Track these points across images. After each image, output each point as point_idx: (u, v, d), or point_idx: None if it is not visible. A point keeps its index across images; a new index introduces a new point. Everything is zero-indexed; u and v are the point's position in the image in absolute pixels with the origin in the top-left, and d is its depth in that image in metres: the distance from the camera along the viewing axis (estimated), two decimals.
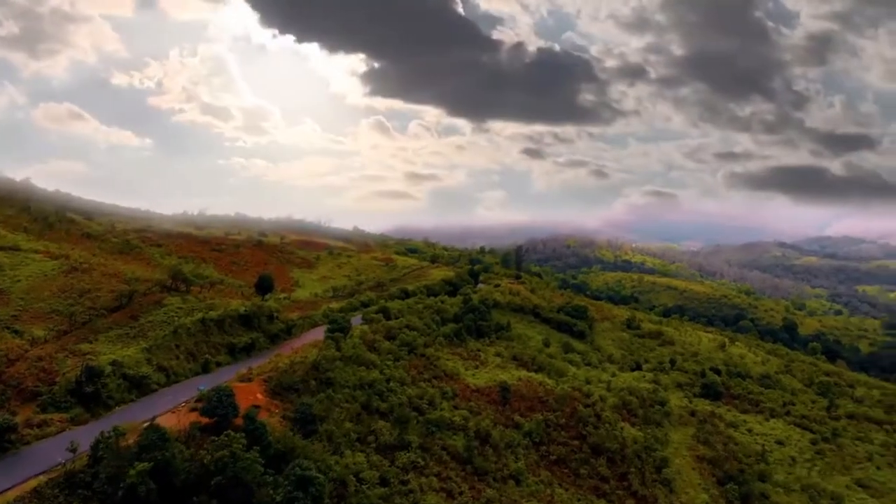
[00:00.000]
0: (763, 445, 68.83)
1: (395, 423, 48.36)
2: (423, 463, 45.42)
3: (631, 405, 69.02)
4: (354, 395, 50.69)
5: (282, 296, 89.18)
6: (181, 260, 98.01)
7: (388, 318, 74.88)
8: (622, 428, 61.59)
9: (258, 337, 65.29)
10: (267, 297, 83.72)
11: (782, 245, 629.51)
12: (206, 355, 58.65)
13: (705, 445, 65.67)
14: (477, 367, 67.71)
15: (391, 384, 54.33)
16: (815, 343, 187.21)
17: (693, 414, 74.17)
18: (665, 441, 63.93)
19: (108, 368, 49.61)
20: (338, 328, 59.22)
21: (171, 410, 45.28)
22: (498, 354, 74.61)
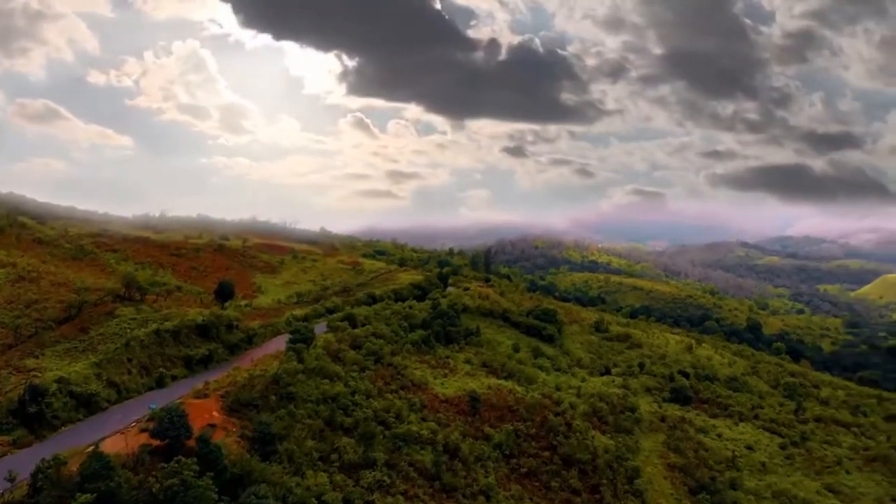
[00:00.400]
0: (733, 451, 68.42)
1: (359, 439, 46.37)
2: (389, 481, 43.52)
3: (601, 412, 68.06)
4: (317, 410, 48.53)
5: (243, 303, 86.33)
6: (138, 266, 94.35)
7: (354, 326, 72.68)
8: (593, 437, 60.44)
9: (216, 348, 62.65)
10: (227, 304, 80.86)
11: (745, 245, 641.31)
12: (161, 369, 55.90)
13: (676, 453, 64.95)
14: (446, 376, 65.95)
15: (356, 397, 52.27)
16: (779, 343, 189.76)
17: (663, 420, 73.55)
18: (636, 449, 63.05)
19: (54, 386, 46.77)
20: (300, 338, 56.92)
21: (121, 431, 42.63)
22: (467, 361, 72.97)
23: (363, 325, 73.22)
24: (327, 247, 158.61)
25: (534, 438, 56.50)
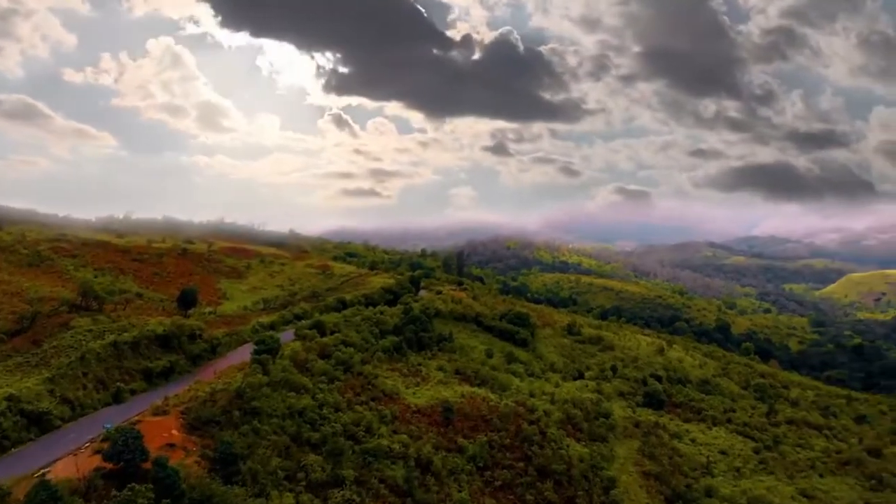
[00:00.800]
0: (708, 457, 67.89)
1: (327, 455, 44.50)
2: (358, 500, 41.78)
3: (575, 419, 67.04)
4: (283, 425, 46.50)
5: (207, 310, 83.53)
6: (97, 272, 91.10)
7: (323, 334, 70.52)
8: (568, 445, 59.38)
9: (178, 359, 60.03)
10: (190, 312, 78.20)
11: (712, 245, 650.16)
12: (119, 383, 53.20)
13: (651, 460, 64.15)
14: (418, 384, 64.27)
15: (324, 410, 50.32)
16: (747, 343, 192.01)
17: (637, 425, 72.81)
18: (611, 457, 62.09)
19: (4, 404, 44.05)
20: (265, 349, 54.74)
21: (73, 453, 40.16)
22: (440, 368, 71.38)
23: (332, 333, 71.11)
24: (296, 250, 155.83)
25: (508, 449, 55.15)
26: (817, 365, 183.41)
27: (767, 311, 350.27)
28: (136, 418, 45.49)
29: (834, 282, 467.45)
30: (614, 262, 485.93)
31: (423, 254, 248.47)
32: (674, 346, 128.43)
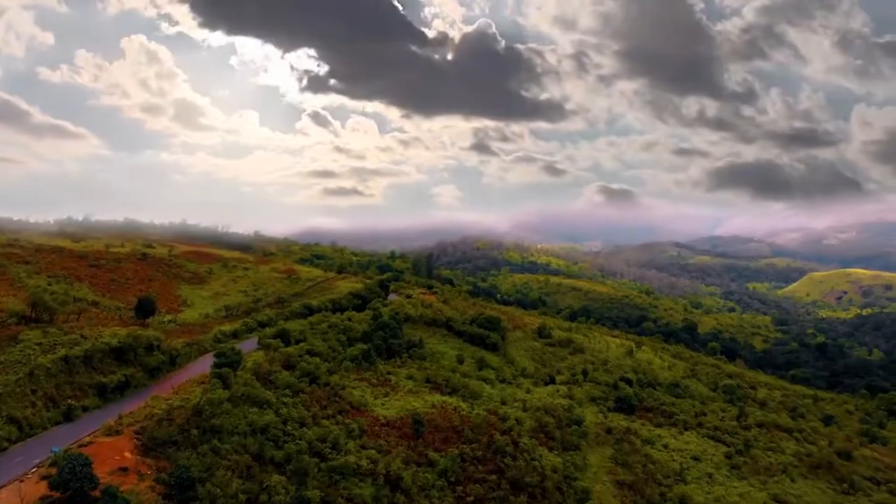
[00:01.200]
0: (681, 464, 67.11)
1: (292, 475, 42.39)
2: None
3: (548, 426, 65.73)
4: (245, 443, 44.23)
5: (166, 318, 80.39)
6: (51, 280, 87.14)
7: (288, 343, 68.22)
8: (541, 455, 57.97)
9: (134, 373, 57.14)
10: (148, 320, 75.13)
11: (677, 245, 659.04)
12: (70, 400, 50.22)
13: (624, 468, 63.13)
14: (387, 395, 62.35)
15: (289, 426, 48.17)
16: (714, 343, 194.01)
17: (609, 432, 71.79)
18: (584, 466, 60.93)
19: None
20: (226, 362, 52.30)
21: (20, 479, 37.43)
22: (410, 377, 69.57)
23: (297, 342, 68.86)
24: (261, 253, 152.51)
25: (480, 461, 53.53)
26: (782, 364, 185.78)
27: (732, 310, 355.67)
28: (88, 439, 42.89)
29: (796, 281, 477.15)
30: (582, 262, 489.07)
31: (393, 255, 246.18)
32: (643, 347, 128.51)
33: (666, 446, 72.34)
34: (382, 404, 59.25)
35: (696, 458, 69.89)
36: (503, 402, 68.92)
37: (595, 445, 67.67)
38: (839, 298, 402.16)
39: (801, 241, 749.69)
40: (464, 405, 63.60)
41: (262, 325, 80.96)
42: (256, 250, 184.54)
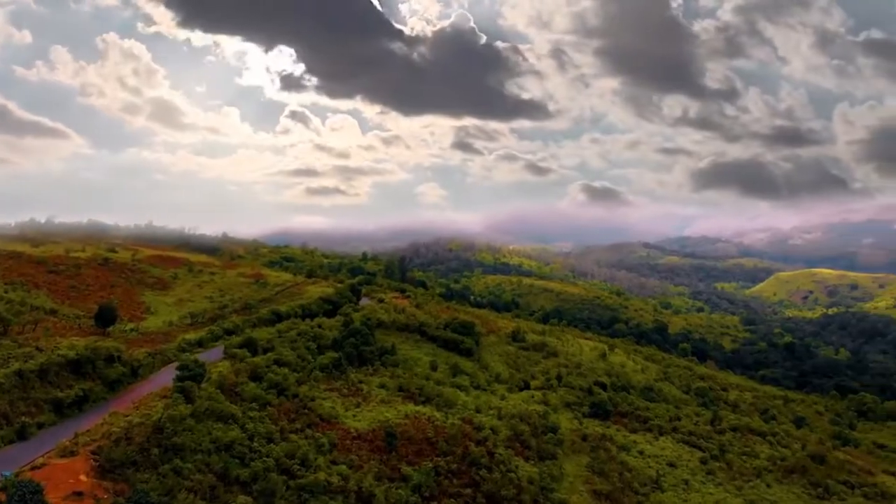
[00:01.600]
0: (657, 471, 66.39)
1: (258, 495, 40.35)
2: None
3: (523, 435, 64.48)
4: (209, 462, 42.05)
5: (128, 327, 77.43)
6: (7, 287, 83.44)
7: (255, 352, 65.94)
8: (517, 466, 56.66)
9: (93, 386, 54.34)
10: (109, 329, 72.23)
11: (647, 245, 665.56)
12: (24, 417, 47.29)
13: (601, 476, 62.16)
14: (358, 405, 60.47)
15: (255, 442, 46.01)
16: (685, 344, 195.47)
17: (585, 438, 70.88)
18: (560, 477, 59.79)
19: None
20: (189, 375, 49.99)
21: None
22: (382, 386, 67.73)
23: (265, 351, 66.60)
24: (228, 256, 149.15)
25: (455, 475, 51.98)
26: (751, 364, 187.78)
27: (700, 309, 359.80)
28: (41, 460, 40.27)
29: (763, 280, 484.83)
30: (553, 262, 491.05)
31: (365, 257, 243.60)
32: (615, 350, 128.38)
33: (641, 452, 71.64)
34: (354, 416, 57.39)
35: (671, 465, 69.28)
36: (478, 410, 67.52)
37: (571, 453, 66.66)
38: (805, 298, 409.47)
39: (767, 241, 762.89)
40: (438, 414, 62.03)
41: (229, 332, 78.39)
42: (224, 253, 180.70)
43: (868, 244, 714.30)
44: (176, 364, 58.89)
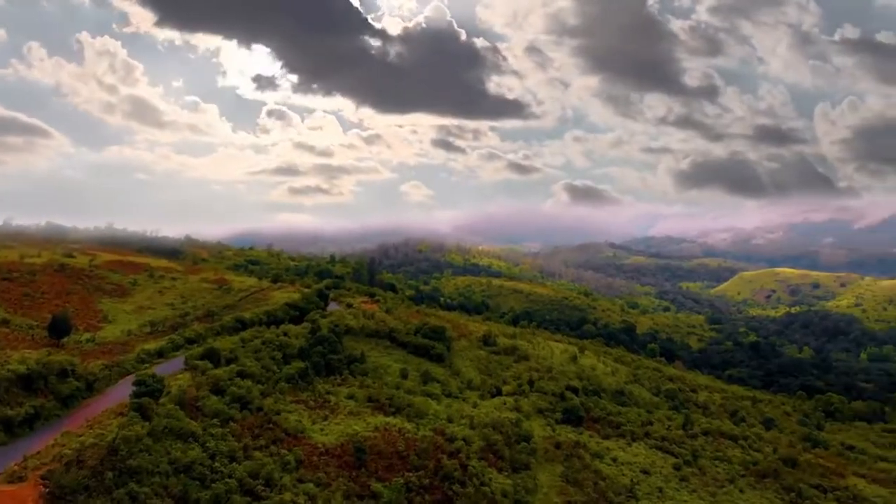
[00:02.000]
0: (631, 479, 65.57)
1: None
2: None
3: (496, 444, 63.10)
4: (167, 485, 39.76)
5: (84, 337, 74.10)
6: None
7: (217, 363, 63.36)
8: (490, 479, 55.27)
9: (45, 403, 51.49)
10: (64, 340, 68.94)
11: (613, 246, 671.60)
12: None
13: (575, 486, 61.06)
14: (326, 418, 58.40)
15: (217, 462, 43.79)
16: (653, 344, 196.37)
17: (558, 446, 69.77)
18: (534, 488, 58.50)
19: None
20: (146, 391, 47.47)
21: None
22: (350, 397, 65.71)
23: (228, 362, 64.06)
24: (191, 260, 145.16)
25: (427, 490, 50.31)
26: (718, 364, 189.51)
27: (667, 309, 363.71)
28: None
29: (727, 280, 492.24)
30: (522, 263, 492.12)
31: (333, 260, 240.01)
32: (585, 352, 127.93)
33: (615, 460, 70.77)
34: (321, 429, 55.32)
35: (645, 472, 68.53)
36: (450, 420, 65.99)
37: (545, 462, 65.45)
38: (768, 297, 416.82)
39: (730, 241, 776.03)
40: (409, 426, 60.29)
41: (190, 341, 75.54)
42: (187, 256, 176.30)
43: (828, 244, 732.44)
44: (134, 377, 56.32)
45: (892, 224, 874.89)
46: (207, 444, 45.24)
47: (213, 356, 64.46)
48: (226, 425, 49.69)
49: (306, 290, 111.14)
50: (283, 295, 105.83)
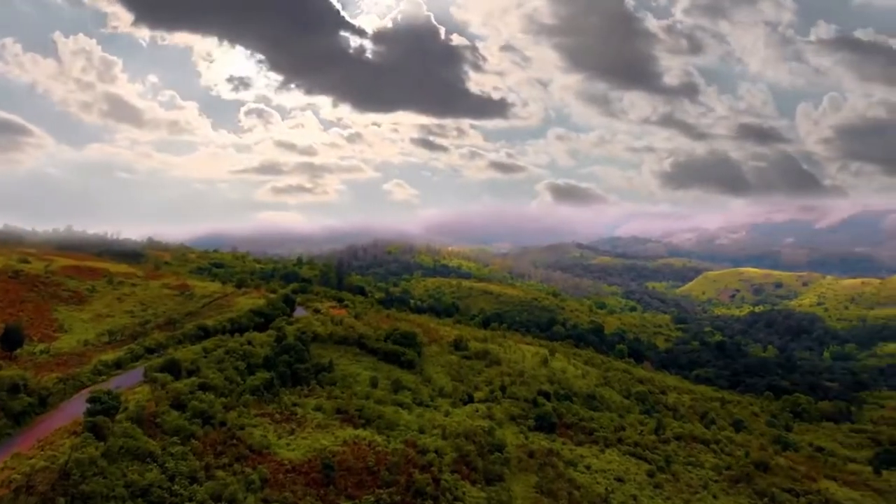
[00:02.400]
0: (605, 487, 64.75)
1: None
2: None
3: (469, 455, 61.69)
4: None
5: (38, 348, 70.64)
6: None
7: (178, 375, 60.76)
8: (464, 493, 53.89)
9: None
10: (16, 353, 65.58)
11: (580, 246, 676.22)
12: None
13: (549, 497, 59.98)
14: (293, 432, 56.29)
15: (176, 483, 41.52)
16: (621, 345, 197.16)
17: (532, 455, 68.69)
18: (509, 501, 57.22)
19: None
20: (101, 408, 44.91)
21: None
22: (318, 408, 63.62)
23: (189, 374, 61.48)
24: (153, 264, 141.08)
25: None
26: (685, 364, 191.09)
27: (633, 308, 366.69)
28: None
29: (692, 280, 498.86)
30: (492, 264, 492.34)
31: (300, 262, 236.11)
32: (556, 354, 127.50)
33: (588, 467, 69.96)
34: (287, 444, 53.23)
35: (619, 480, 67.82)
36: (421, 431, 64.28)
37: (518, 472, 64.22)
38: (732, 296, 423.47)
39: (695, 241, 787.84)
40: (379, 438, 58.50)
41: (150, 351, 72.64)
42: (149, 259, 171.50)
43: (790, 243, 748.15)
44: (90, 389, 53.63)
45: (852, 224, 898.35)
46: (167, 465, 42.92)
47: (173, 368, 61.79)
48: (187, 443, 47.36)
49: (272, 296, 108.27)
50: (248, 301, 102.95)
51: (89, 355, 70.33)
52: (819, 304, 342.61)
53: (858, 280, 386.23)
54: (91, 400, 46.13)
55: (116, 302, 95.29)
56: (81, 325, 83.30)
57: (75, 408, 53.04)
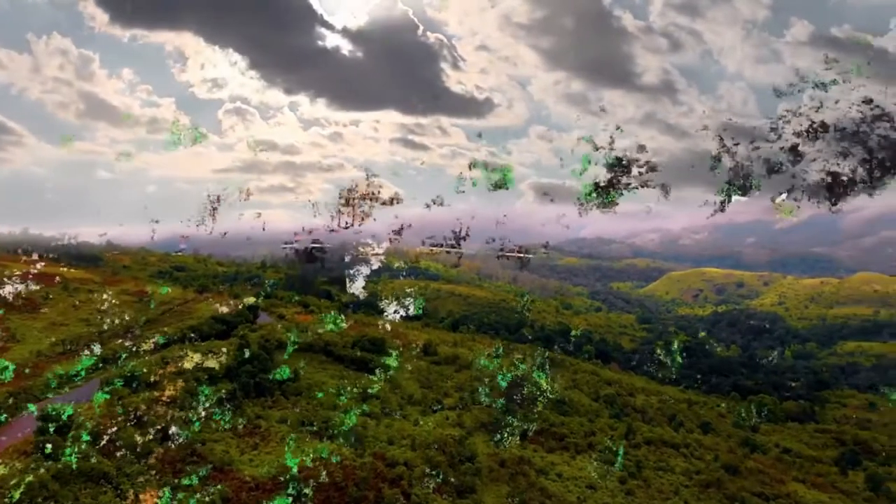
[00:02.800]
0: (578, 496, 64.13)
1: None
2: None
3: (440, 466, 60.43)
4: None
5: None
6: None
7: (136, 388, 58.29)
8: None
9: None
10: None
11: (546, 246, 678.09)
12: None
13: None
14: (256, 447, 54.42)
15: None
16: (588, 346, 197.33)
17: (503, 464, 67.69)
18: None
19: None
20: (52, 426, 42.43)
21: None
22: (283, 420, 61.82)
23: (147, 385, 59.05)
24: (111, 269, 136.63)
25: None
26: (652, 365, 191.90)
27: (599, 309, 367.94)
28: None
29: (656, 280, 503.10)
30: (461, 265, 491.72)
31: (264, 265, 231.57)
32: (526, 357, 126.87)
33: (560, 475, 69.27)
34: (251, 460, 51.33)
35: (591, 487, 67.33)
36: (391, 442, 62.96)
37: (489, 483, 63.16)
38: (696, 296, 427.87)
39: (658, 241, 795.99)
40: (346, 451, 56.94)
41: (107, 361, 69.80)
42: (107, 263, 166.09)
43: (751, 243, 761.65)
44: (43, 405, 50.93)
45: (811, 224, 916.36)
46: (122, 486, 40.70)
47: (130, 380, 59.24)
48: (144, 459, 45.11)
49: (235, 301, 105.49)
50: (209, 307, 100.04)
51: (42, 367, 67.19)
52: (780, 303, 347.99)
53: (818, 280, 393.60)
54: (42, 417, 43.61)
55: (72, 309, 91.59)
56: (34, 335, 79.66)
57: (27, 424, 50.39)
